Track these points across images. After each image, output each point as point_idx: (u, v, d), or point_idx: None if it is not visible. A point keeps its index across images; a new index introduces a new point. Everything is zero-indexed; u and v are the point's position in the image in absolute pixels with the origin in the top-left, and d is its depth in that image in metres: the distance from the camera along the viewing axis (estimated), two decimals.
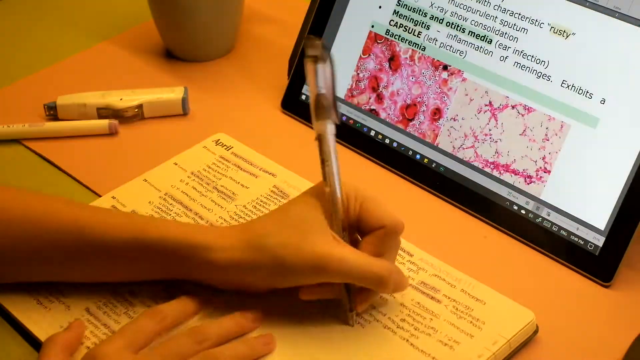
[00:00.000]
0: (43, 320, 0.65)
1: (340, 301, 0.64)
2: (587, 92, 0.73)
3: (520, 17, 0.76)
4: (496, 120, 0.77)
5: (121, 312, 0.66)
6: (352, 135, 0.85)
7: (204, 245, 0.63)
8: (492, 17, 0.78)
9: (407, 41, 0.83)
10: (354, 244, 0.64)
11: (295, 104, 0.89)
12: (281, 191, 0.78)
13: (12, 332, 0.66)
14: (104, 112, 0.88)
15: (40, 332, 0.65)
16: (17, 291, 0.68)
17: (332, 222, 0.63)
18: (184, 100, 0.89)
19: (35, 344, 0.65)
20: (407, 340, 0.64)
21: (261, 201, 0.76)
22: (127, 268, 0.66)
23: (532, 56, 0.76)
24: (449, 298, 0.67)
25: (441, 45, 0.81)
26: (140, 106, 0.88)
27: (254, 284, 0.64)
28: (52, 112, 0.88)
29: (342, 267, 0.61)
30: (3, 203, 0.66)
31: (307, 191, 0.65)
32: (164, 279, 0.66)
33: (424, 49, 0.82)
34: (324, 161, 0.63)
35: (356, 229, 0.65)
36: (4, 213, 0.65)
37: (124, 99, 0.88)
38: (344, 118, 0.86)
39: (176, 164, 0.81)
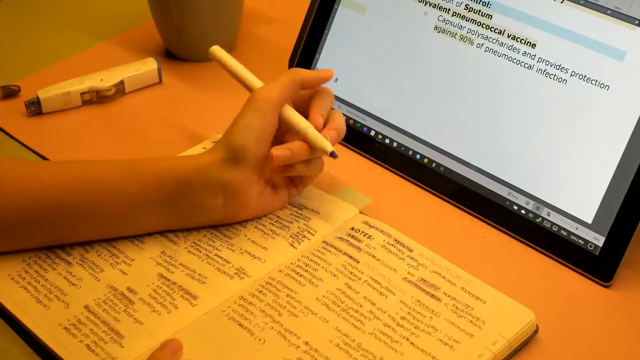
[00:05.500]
0: (43, 318, 0.65)
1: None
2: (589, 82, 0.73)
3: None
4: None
5: (121, 310, 0.66)
6: (352, 135, 0.85)
7: (193, 157, 0.72)
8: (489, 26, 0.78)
9: None
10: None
11: None
12: None
13: (12, 332, 0.66)
14: (87, 95, 0.89)
15: (40, 330, 0.65)
16: (17, 290, 0.68)
17: (250, 85, 0.76)
18: (159, 70, 0.93)
19: (34, 343, 0.65)
20: (407, 338, 0.64)
21: None
22: (127, 204, 0.69)
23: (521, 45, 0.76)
24: (449, 296, 0.67)
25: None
26: (121, 82, 0.91)
27: (238, 175, 0.70)
28: (35, 108, 0.88)
29: (264, 87, 0.73)
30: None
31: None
32: (165, 226, 0.72)
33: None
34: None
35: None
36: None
37: (104, 78, 0.90)
38: (344, 118, 0.86)
39: None
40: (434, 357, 0.62)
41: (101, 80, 0.90)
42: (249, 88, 0.77)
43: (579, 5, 0.74)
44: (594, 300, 0.70)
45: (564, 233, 0.73)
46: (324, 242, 0.72)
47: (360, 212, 0.76)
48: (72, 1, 1.10)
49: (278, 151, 0.70)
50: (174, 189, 0.70)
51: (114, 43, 1.01)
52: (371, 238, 0.72)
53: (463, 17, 0.80)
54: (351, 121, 0.85)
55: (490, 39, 0.78)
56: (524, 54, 0.76)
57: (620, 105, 0.71)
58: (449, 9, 0.80)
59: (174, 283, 0.68)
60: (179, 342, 0.62)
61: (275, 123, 0.72)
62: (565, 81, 0.74)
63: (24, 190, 0.68)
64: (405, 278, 0.69)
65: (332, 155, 0.71)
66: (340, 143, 0.86)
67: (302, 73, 0.73)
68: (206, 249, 0.71)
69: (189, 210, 0.71)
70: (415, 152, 0.81)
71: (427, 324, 0.65)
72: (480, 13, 0.79)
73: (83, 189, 0.69)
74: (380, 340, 0.63)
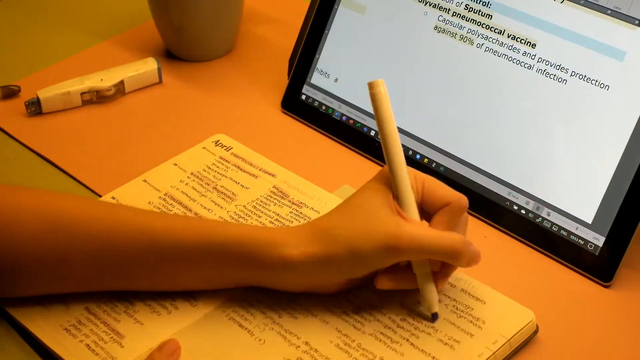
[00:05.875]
0: (43, 320, 0.65)
1: (417, 292, 0.65)
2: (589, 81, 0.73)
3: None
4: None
5: (121, 311, 0.66)
6: (352, 135, 0.85)
7: (276, 241, 0.62)
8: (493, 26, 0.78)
9: None
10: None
11: (295, 104, 0.89)
12: (281, 191, 0.77)
13: (12, 332, 0.66)
14: (87, 95, 0.89)
15: (40, 332, 0.65)
16: None
17: (404, 202, 0.63)
18: (159, 70, 0.93)
19: (35, 344, 0.65)
20: (408, 339, 0.64)
21: (261, 202, 0.76)
22: (196, 274, 0.65)
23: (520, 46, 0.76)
24: (449, 297, 0.67)
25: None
26: (121, 82, 0.91)
27: (328, 280, 0.64)
28: (35, 108, 0.88)
29: (413, 243, 0.61)
30: (71, 215, 0.64)
31: (373, 178, 0.65)
32: (230, 287, 0.66)
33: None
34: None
35: (420, 209, 0.64)
36: (70, 224, 0.64)
37: (104, 78, 0.90)
38: (344, 118, 0.86)
39: (176, 165, 0.81)
40: (434, 357, 0.62)
41: (101, 80, 0.90)
42: (390, 170, 0.64)
43: (579, 5, 0.74)
44: (594, 300, 0.70)
45: (564, 233, 0.73)
46: None
47: None
48: (72, 1, 1.10)
49: (384, 283, 0.64)
50: (254, 278, 0.65)
51: (114, 43, 1.01)
52: None
53: (463, 17, 0.80)
54: (351, 121, 0.85)
55: (490, 39, 0.78)
56: (524, 54, 0.76)
57: (620, 105, 0.71)
58: (449, 9, 0.80)
59: None
60: (177, 342, 0.62)
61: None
62: (565, 81, 0.74)
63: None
64: None
65: (433, 317, 0.65)
66: (340, 143, 0.86)
67: (461, 261, 0.63)
68: None
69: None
70: (415, 152, 0.81)
71: (427, 325, 0.65)
72: (480, 13, 0.79)
73: (160, 252, 0.64)
74: (380, 340, 0.63)
